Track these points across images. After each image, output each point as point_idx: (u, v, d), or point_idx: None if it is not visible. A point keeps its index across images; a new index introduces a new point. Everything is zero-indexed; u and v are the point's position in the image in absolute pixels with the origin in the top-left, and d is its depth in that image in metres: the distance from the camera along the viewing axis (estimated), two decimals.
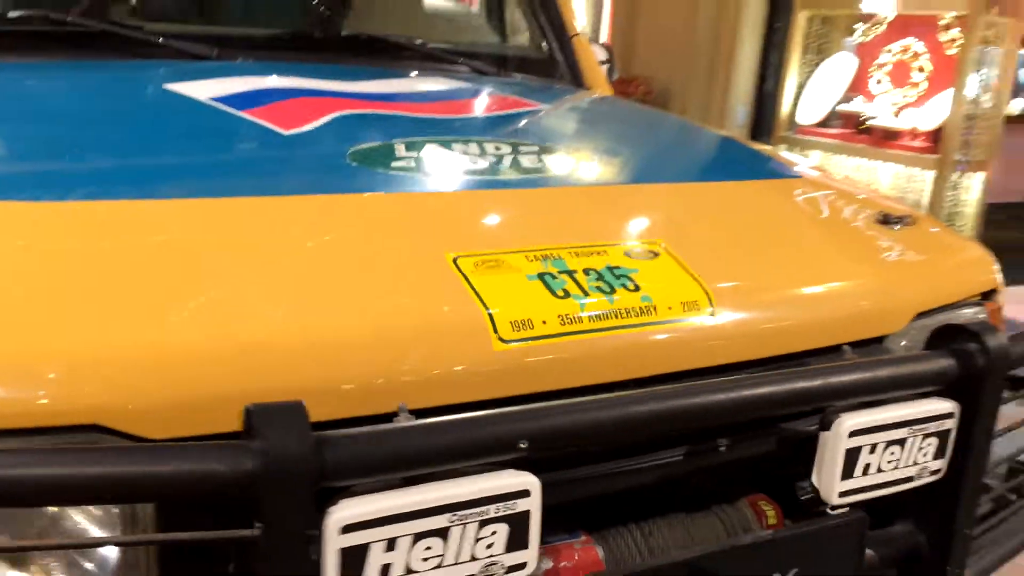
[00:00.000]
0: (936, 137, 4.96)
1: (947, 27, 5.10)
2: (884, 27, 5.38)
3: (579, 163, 1.45)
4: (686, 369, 1.13)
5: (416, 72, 2.05)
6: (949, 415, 1.14)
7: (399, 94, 1.73)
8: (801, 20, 5.48)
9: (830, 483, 1.08)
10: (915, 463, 1.13)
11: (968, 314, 1.43)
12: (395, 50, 2.13)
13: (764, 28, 5.85)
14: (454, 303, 1.04)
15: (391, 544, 0.83)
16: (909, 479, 1.14)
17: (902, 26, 5.30)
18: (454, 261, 1.09)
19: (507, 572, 0.89)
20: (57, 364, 0.85)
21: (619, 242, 1.22)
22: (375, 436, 0.82)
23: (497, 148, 1.43)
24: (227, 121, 1.38)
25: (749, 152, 1.85)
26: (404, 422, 0.88)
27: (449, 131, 1.51)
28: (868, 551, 1.18)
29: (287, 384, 0.89)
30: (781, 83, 5.53)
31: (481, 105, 1.74)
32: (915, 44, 5.26)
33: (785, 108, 5.51)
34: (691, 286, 1.17)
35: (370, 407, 0.93)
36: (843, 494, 1.08)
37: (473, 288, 1.06)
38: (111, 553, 0.88)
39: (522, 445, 0.88)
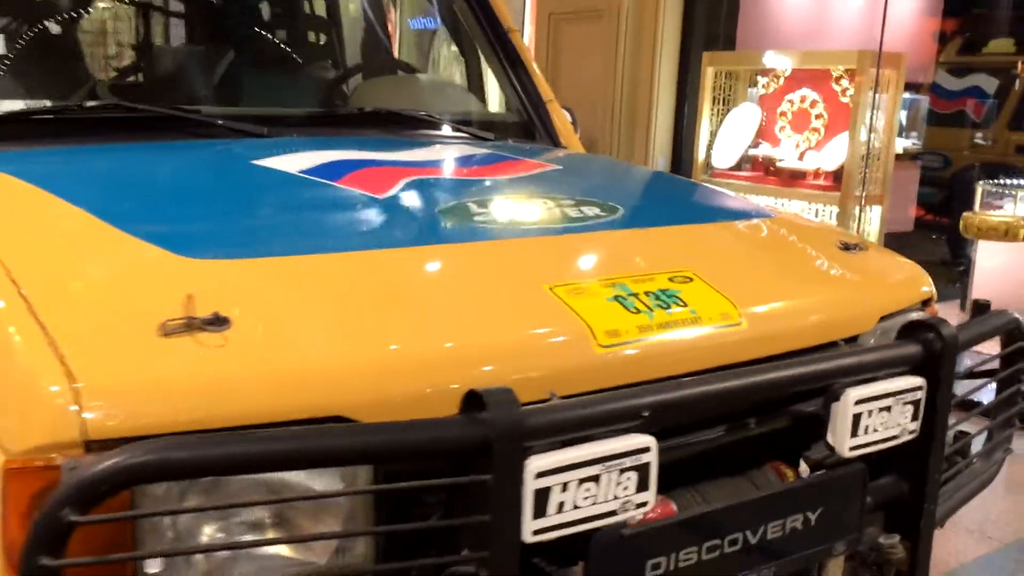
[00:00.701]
0: (837, 175, 5.50)
1: (839, 79, 5.67)
2: (783, 80, 5.94)
3: (611, 212, 1.80)
4: (725, 364, 1.49)
5: (429, 140, 2.40)
6: (919, 388, 1.53)
7: (441, 161, 2.08)
8: (709, 74, 6.00)
9: (842, 441, 1.45)
10: (899, 424, 1.51)
11: (915, 317, 1.83)
12: (407, 121, 2.48)
13: (677, 82, 6.37)
14: (563, 320, 1.38)
15: (564, 487, 1.16)
16: (895, 437, 1.51)
17: (799, 79, 5.86)
18: (551, 289, 1.44)
19: (636, 507, 1.23)
20: (314, 375, 1.17)
21: (661, 272, 1.58)
22: (558, 408, 1.16)
23: (544, 202, 1.79)
24: (332, 190, 1.70)
25: (731, 197, 2.25)
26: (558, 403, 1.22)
27: (501, 190, 1.86)
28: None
29: (469, 383, 1.21)
30: (695, 132, 6.04)
31: (510, 168, 2.09)
32: (811, 94, 5.82)
33: (701, 154, 6.01)
34: (722, 303, 1.54)
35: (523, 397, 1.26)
36: (852, 448, 1.45)
37: (572, 309, 1.40)
38: (338, 506, 1.18)
39: (644, 414, 1.22)
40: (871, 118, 5.45)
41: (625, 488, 1.21)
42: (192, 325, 1.18)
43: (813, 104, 5.80)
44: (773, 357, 1.54)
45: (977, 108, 8.18)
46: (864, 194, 5.49)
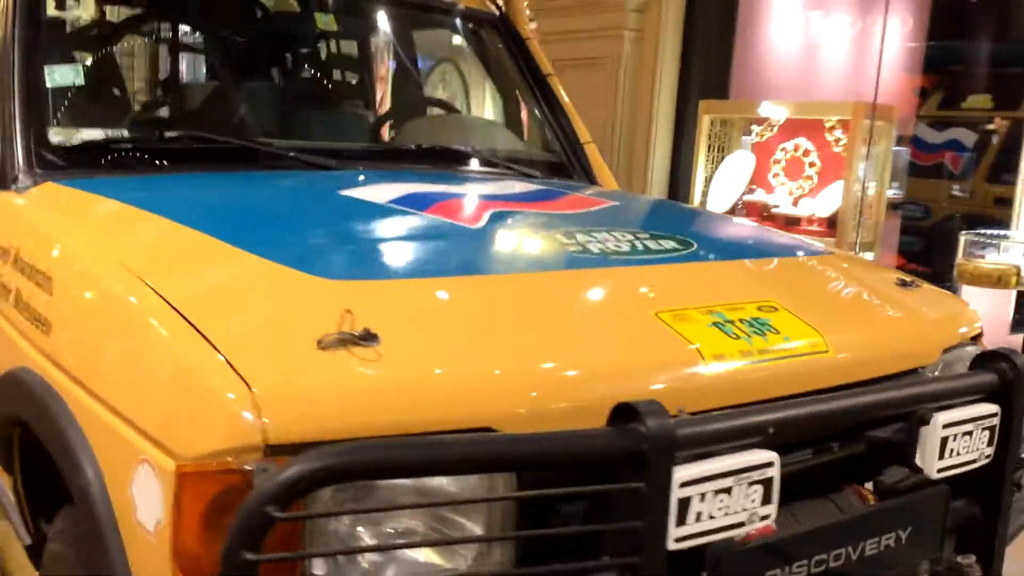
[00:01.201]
0: (831, 222, 5.65)
1: (832, 128, 5.85)
2: (776, 129, 6.11)
3: (686, 245, 1.89)
4: (814, 389, 1.57)
5: (483, 175, 2.49)
6: (995, 415, 1.61)
7: (508, 195, 2.16)
8: (705, 122, 6.16)
9: (931, 463, 1.52)
10: (977, 449, 1.59)
11: (970, 351, 1.93)
12: (458, 157, 2.57)
13: (673, 128, 6.53)
14: (675, 344, 1.45)
15: (702, 497, 1.23)
16: (975, 460, 1.59)
17: (792, 128, 6.03)
18: (657, 315, 1.51)
19: (760, 519, 1.30)
20: (464, 388, 1.23)
21: (749, 301, 1.66)
22: (703, 421, 1.23)
23: (623, 234, 1.86)
24: (426, 220, 1.77)
25: (784, 234, 2.35)
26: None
27: (578, 222, 1.94)
28: None
29: (604, 398, 1.28)
30: (691, 177, 6.18)
31: (575, 202, 2.17)
32: (805, 143, 5.99)
33: (697, 199, 6.15)
34: (809, 331, 1.62)
35: None
36: (939, 471, 1.53)
37: (680, 334, 1.48)
38: (481, 514, 1.24)
39: (771, 430, 1.30)
40: (864, 167, 5.63)
41: (752, 500, 1.28)
42: (346, 340, 1.24)
43: (806, 153, 5.96)
44: (854, 384, 1.62)
45: (956, 161, 8.42)
46: (858, 241, 5.65)
